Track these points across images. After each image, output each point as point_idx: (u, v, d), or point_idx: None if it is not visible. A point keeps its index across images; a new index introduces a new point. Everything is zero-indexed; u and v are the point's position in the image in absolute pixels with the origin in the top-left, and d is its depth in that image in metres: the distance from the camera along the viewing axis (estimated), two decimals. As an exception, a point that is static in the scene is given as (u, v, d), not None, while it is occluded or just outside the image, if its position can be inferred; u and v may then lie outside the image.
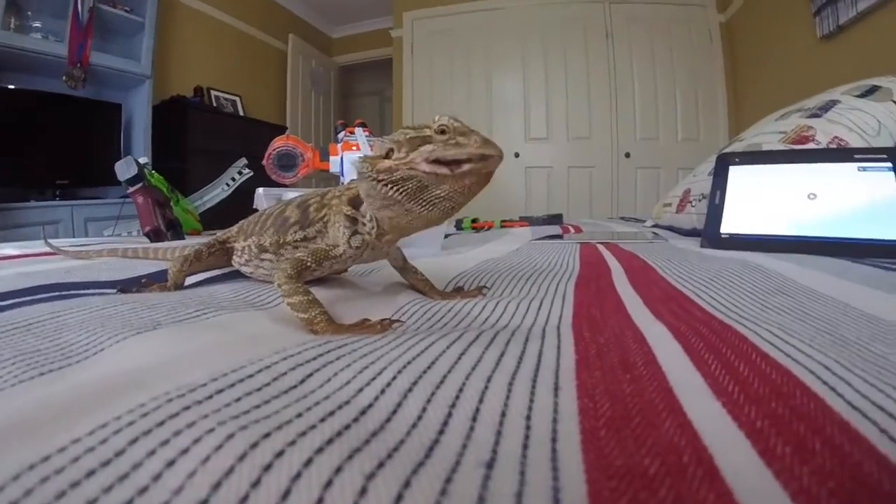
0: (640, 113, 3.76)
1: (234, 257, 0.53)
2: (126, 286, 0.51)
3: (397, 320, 0.35)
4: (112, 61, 2.90)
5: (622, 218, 2.52)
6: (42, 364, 0.25)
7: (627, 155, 3.74)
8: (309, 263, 0.40)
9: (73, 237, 2.65)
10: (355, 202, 0.42)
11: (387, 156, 0.37)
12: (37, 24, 2.67)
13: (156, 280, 0.54)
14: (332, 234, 0.42)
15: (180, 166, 3.17)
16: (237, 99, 4.05)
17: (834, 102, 1.12)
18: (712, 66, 3.64)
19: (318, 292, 0.44)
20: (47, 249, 0.92)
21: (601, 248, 0.91)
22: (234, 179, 2.31)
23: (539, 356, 0.25)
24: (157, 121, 3.20)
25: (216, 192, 2.30)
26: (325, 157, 1.67)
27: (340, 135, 1.72)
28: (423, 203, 0.36)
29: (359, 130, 1.69)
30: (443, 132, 0.35)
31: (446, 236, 1.36)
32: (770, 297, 0.40)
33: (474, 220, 1.92)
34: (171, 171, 2.97)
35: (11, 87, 2.51)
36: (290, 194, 1.17)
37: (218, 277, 0.57)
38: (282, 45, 4.56)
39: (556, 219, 2.07)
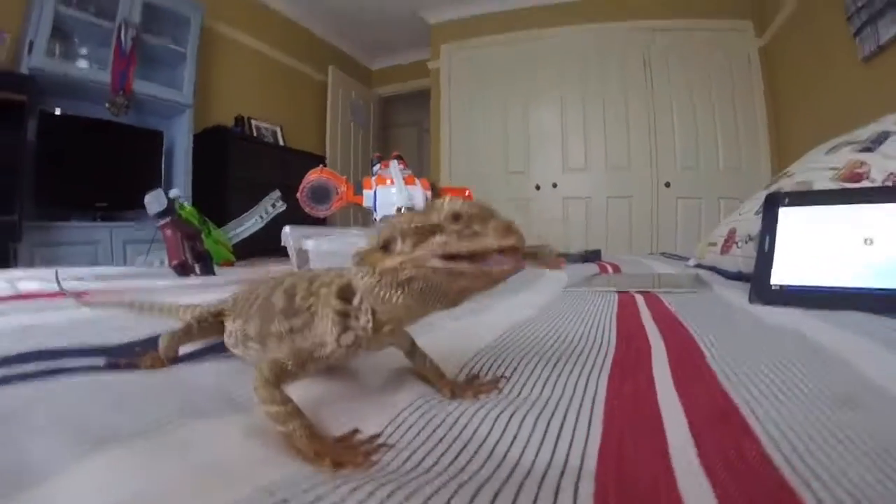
0: (679, 141, 3.69)
1: (225, 336, 0.49)
2: (116, 356, 0.49)
3: (385, 444, 0.29)
4: (154, 89, 3.01)
5: (663, 254, 2.41)
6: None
7: (668, 184, 3.66)
8: (289, 367, 0.34)
9: (112, 258, 2.72)
10: (346, 293, 0.36)
11: (385, 246, 0.31)
12: (83, 52, 2.79)
13: (150, 347, 0.51)
14: (319, 328, 0.37)
15: (220, 194, 3.23)
16: (277, 129, 4.13)
17: (887, 134, 1.05)
18: (752, 92, 3.56)
19: (307, 387, 0.39)
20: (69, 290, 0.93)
21: (640, 302, 0.84)
22: (267, 212, 2.33)
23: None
24: (198, 149, 3.30)
25: (250, 224, 2.32)
26: (359, 190, 1.65)
27: (376, 167, 1.70)
28: (433, 301, 0.31)
29: (394, 163, 1.67)
30: (456, 219, 0.29)
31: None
32: (838, 411, 0.33)
33: (507, 255, 1.86)
34: (211, 198, 3.04)
35: (58, 112, 2.61)
36: (309, 242, 1.14)
37: (211, 349, 0.53)
38: (322, 77, 4.65)
39: (593, 255, 1.99)
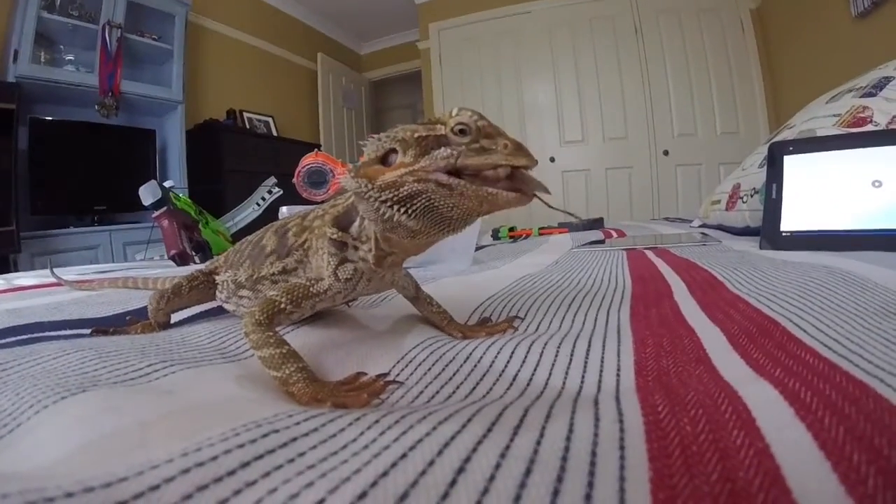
0: (675, 109, 3.62)
1: (216, 292, 0.45)
2: (103, 326, 0.46)
3: (393, 381, 0.26)
4: (143, 89, 2.96)
5: (666, 219, 2.37)
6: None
7: (666, 153, 3.59)
8: (283, 305, 0.31)
9: (112, 261, 2.69)
10: (342, 221, 0.32)
11: (384, 160, 0.28)
12: (69, 57, 2.75)
13: (141, 317, 0.48)
14: (314, 264, 0.34)
15: (217, 188, 3.19)
16: (270, 119, 4.08)
17: (888, 79, 1.02)
18: (746, 56, 3.48)
19: (308, 333, 0.36)
20: (65, 278, 0.89)
21: (650, 254, 0.81)
22: (263, 199, 2.29)
23: (591, 462, 0.15)
24: (191, 144, 3.26)
25: (247, 213, 2.29)
26: (357, 173, 1.63)
27: (372, 148, 1.67)
28: (437, 221, 0.28)
29: (389, 143, 1.64)
30: (462, 132, 0.27)
31: (479, 248, 1.28)
32: (880, 319, 0.30)
33: (511, 229, 1.82)
34: (208, 193, 3.01)
35: (49, 118, 2.57)
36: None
37: (207, 313, 0.50)
38: (311, 64, 4.59)
39: (596, 223, 1.96)
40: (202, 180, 3.23)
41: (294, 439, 0.18)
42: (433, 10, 4.20)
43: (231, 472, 0.16)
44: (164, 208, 1.56)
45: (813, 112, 1.20)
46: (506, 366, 0.28)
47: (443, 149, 0.26)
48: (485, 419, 0.18)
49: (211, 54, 3.63)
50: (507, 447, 0.16)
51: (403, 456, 0.16)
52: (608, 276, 0.58)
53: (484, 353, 0.30)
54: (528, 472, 0.15)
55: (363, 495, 0.14)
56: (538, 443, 0.16)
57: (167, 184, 1.62)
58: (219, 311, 0.50)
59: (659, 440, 0.16)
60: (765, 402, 0.19)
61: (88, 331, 0.44)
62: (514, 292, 0.51)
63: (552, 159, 3.76)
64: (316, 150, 1.76)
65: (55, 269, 0.96)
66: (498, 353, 0.30)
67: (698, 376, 0.22)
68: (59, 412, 0.23)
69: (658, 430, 0.17)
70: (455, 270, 0.76)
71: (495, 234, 1.80)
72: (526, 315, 0.41)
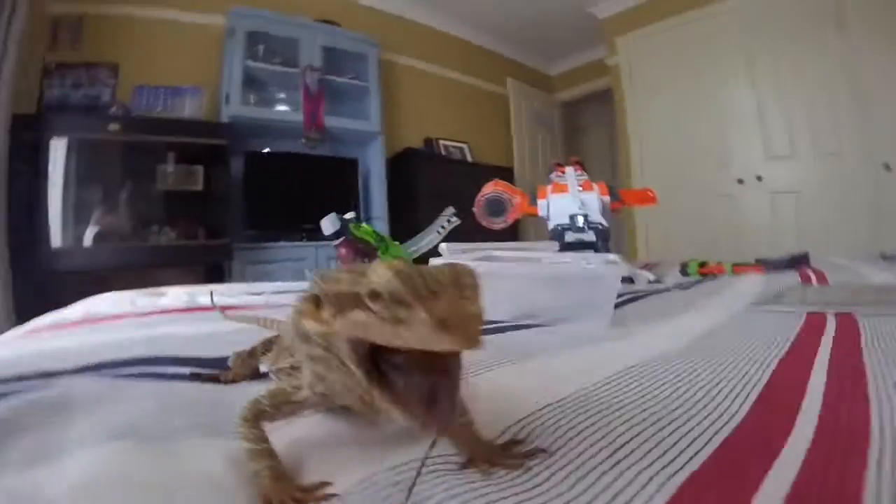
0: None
1: None
2: (206, 367, 0.53)
3: (333, 494, 0.26)
4: (345, 122, 3.36)
5: (883, 256, 1.82)
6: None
7: (888, 167, 2.88)
8: (265, 407, 0.31)
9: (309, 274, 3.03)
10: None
11: (318, 304, 0.26)
12: (279, 97, 3.28)
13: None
14: (304, 368, 0.32)
15: (414, 212, 3.44)
16: (464, 146, 4.27)
17: None
18: None
19: (317, 424, 0.36)
20: (237, 301, 1.06)
21: (828, 334, 0.62)
22: (444, 227, 2.39)
23: None
24: (391, 171, 3.57)
25: (429, 239, 2.41)
26: (534, 201, 1.62)
27: (551, 175, 1.65)
28: (337, 396, 0.29)
29: (569, 170, 1.60)
30: (375, 296, 0.22)
31: (657, 288, 1.16)
32: None
33: (702, 264, 1.58)
34: (406, 216, 3.31)
35: (261, 150, 3.13)
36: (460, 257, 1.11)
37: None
38: (502, 90, 4.72)
39: (797, 261, 1.61)
40: (402, 204, 3.51)
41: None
42: (617, 23, 4.06)
43: None
44: (343, 238, 1.70)
45: None
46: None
47: (357, 312, 0.23)
48: None
49: (405, 87, 3.94)
50: None
51: None
52: (722, 394, 0.41)
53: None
54: None
55: None
56: None
57: (348, 215, 1.77)
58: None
59: None
60: None
61: (187, 371, 0.51)
62: (591, 398, 0.40)
63: (759, 178, 3.30)
64: (495, 179, 1.79)
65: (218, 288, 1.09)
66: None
67: None
68: (85, 458, 0.29)
69: None
70: (583, 334, 0.68)
71: (683, 269, 1.58)
72: (556, 450, 0.31)
